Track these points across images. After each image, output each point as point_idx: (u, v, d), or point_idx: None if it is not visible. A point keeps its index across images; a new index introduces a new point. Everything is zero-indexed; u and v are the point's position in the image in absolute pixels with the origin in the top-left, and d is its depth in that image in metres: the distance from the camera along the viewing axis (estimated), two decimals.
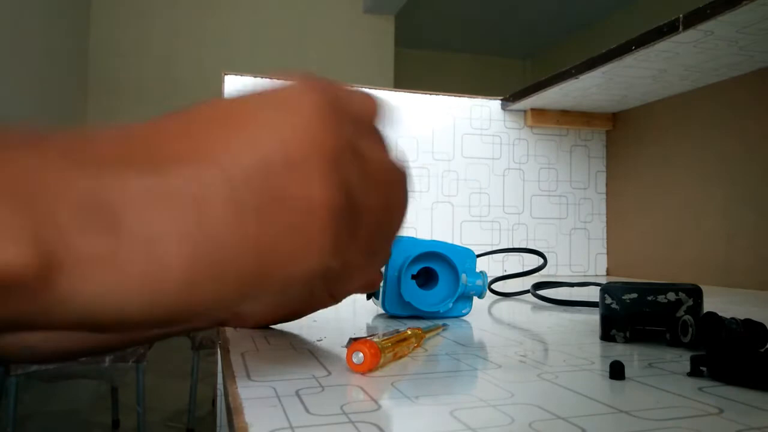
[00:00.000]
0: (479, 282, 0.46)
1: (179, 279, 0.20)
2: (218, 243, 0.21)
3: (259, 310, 0.38)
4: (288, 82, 0.25)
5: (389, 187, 0.27)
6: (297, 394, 0.24)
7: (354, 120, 0.25)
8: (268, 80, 0.25)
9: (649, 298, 0.35)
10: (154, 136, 0.22)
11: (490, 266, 0.95)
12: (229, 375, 0.27)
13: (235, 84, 0.86)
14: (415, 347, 0.33)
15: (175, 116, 0.23)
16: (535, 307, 0.57)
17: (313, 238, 0.23)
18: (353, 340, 0.29)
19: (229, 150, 0.21)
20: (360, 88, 0.28)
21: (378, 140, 0.27)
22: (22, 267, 0.18)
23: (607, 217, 1.04)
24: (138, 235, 0.19)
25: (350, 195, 0.24)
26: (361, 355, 0.27)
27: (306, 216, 0.22)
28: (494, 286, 0.68)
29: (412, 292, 0.44)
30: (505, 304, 0.59)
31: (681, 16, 0.62)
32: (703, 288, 0.36)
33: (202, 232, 0.20)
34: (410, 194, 0.29)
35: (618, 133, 1.02)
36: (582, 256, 1.02)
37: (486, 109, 0.98)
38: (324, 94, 0.24)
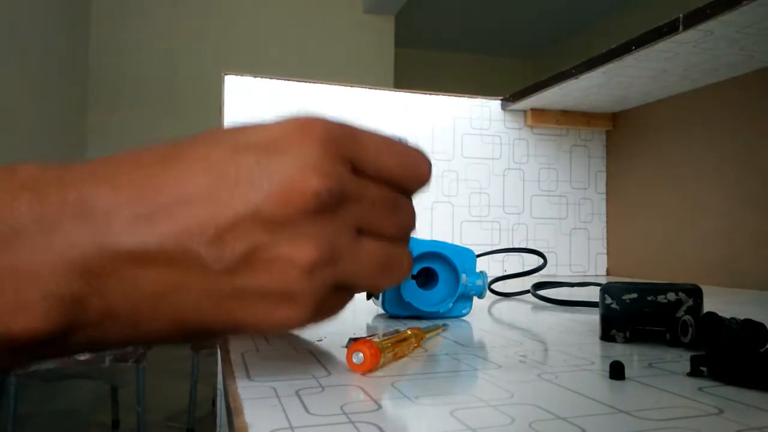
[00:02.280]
0: (479, 282, 0.46)
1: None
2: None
3: None
4: (283, 122, 0.24)
5: (391, 221, 0.26)
6: (297, 394, 0.24)
7: (354, 163, 0.25)
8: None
9: (649, 298, 0.35)
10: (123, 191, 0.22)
11: (490, 266, 0.95)
12: (229, 375, 0.27)
13: (235, 84, 0.86)
14: (415, 347, 0.33)
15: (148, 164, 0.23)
16: (535, 307, 0.57)
17: (293, 303, 0.23)
18: (353, 340, 0.29)
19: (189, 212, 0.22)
20: (380, 133, 0.27)
21: (382, 179, 0.26)
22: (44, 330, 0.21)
23: (607, 217, 1.04)
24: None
25: (338, 244, 0.24)
26: (361, 355, 0.27)
27: (286, 281, 0.23)
28: (494, 286, 0.68)
29: (412, 292, 0.44)
30: (505, 304, 0.59)
31: (681, 16, 0.62)
32: (703, 288, 0.36)
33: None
34: (412, 222, 0.28)
35: (618, 133, 1.02)
36: (582, 256, 1.02)
37: (486, 109, 0.98)
38: (321, 134, 0.23)
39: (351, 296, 0.28)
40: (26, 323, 0.20)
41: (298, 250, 0.22)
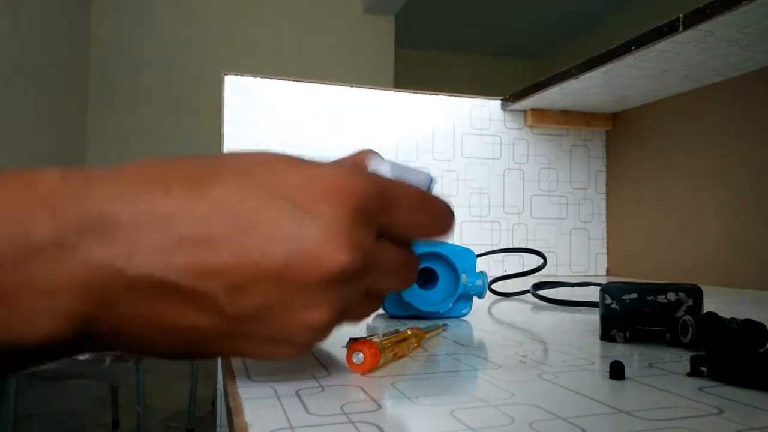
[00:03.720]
0: (479, 282, 0.46)
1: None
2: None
3: None
4: (323, 174, 0.23)
5: (394, 280, 0.27)
6: (297, 394, 0.24)
7: (383, 228, 0.25)
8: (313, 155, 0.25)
9: (649, 298, 0.35)
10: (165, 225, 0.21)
11: (490, 266, 0.95)
12: (229, 375, 0.27)
13: (235, 84, 0.86)
14: (415, 347, 0.33)
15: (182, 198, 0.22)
16: (535, 307, 0.57)
17: (295, 346, 0.24)
18: (353, 340, 0.29)
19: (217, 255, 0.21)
20: (408, 178, 0.28)
21: (402, 236, 0.27)
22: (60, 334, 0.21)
23: (607, 217, 1.04)
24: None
25: (348, 307, 0.25)
26: (361, 355, 0.27)
27: (293, 334, 0.24)
28: (494, 286, 0.68)
29: (412, 292, 0.44)
30: (505, 304, 0.59)
31: (681, 16, 0.62)
32: (703, 288, 0.36)
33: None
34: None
35: (618, 133, 1.02)
36: (582, 256, 1.02)
37: (486, 109, 0.98)
38: (356, 199, 0.23)
39: None
40: (37, 336, 0.21)
41: (312, 314, 0.23)
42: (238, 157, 0.24)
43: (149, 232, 0.21)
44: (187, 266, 0.21)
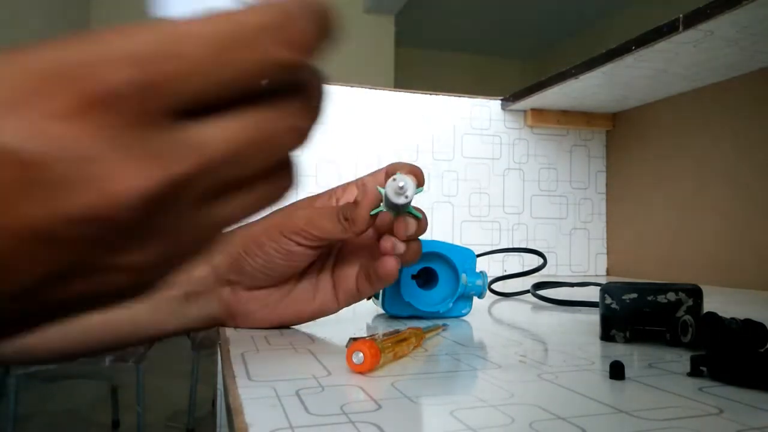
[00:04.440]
0: (479, 282, 0.46)
1: None
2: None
3: (259, 311, 0.39)
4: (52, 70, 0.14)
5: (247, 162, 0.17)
6: (297, 394, 0.24)
7: (175, 103, 0.15)
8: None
9: (649, 298, 0.35)
10: None
11: (490, 266, 0.95)
12: (229, 375, 0.27)
13: None
14: (415, 347, 0.33)
15: None
16: (535, 307, 0.57)
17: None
18: (353, 340, 0.29)
19: None
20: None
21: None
22: None
23: (607, 217, 1.04)
24: None
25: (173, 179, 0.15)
26: (361, 355, 0.27)
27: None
28: (494, 286, 0.68)
29: (412, 292, 0.44)
30: (505, 304, 0.59)
31: (681, 16, 0.62)
32: (703, 288, 0.36)
33: None
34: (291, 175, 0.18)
35: (618, 133, 1.02)
36: (582, 256, 1.02)
37: (486, 109, 0.98)
38: (99, 102, 0.14)
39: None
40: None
41: (132, 257, 0.15)
42: None
43: None
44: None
